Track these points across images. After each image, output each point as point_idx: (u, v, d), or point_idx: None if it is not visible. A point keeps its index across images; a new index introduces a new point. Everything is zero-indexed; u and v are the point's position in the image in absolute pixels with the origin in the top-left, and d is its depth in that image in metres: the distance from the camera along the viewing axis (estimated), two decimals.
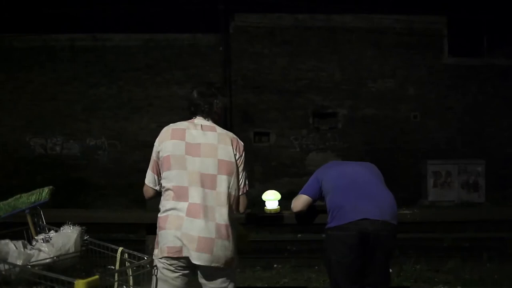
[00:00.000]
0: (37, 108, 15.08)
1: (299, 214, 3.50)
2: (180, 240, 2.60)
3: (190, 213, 2.62)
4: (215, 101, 2.86)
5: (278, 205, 3.67)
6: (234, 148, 2.77)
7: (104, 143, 15.26)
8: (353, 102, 15.45)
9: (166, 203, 2.70)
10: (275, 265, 6.73)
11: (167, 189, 2.70)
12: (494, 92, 15.57)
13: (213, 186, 2.66)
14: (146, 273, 2.48)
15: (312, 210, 3.56)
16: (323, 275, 5.79)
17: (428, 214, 5.38)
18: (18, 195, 2.90)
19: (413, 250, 7.11)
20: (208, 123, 2.82)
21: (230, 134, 2.84)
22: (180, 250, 2.61)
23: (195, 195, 2.64)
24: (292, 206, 3.47)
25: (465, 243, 8.48)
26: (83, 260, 2.69)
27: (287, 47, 15.31)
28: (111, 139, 15.25)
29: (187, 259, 2.61)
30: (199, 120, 2.84)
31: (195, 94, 2.89)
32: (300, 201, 3.43)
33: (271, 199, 3.61)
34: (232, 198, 2.72)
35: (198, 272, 2.68)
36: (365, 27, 15.33)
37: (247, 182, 2.86)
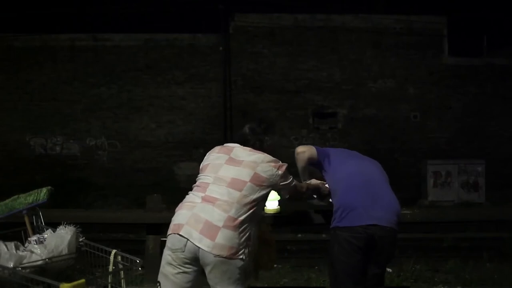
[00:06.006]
0: (37, 108, 15.07)
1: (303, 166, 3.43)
2: (187, 218, 2.64)
3: (204, 199, 2.71)
4: (265, 138, 3.02)
5: (278, 205, 3.66)
6: (276, 168, 2.89)
7: (104, 143, 15.26)
8: (353, 102, 15.44)
9: (186, 197, 2.83)
10: (275, 265, 6.72)
11: (192, 187, 2.87)
12: (494, 92, 15.56)
13: (240, 189, 2.74)
14: (138, 276, 2.47)
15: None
16: (323, 275, 5.77)
17: (428, 214, 5.37)
18: (16, 196, 2.88)
19: (413, 250, 7.09)
20: (258, 151, 2.95)
21: (275, 158, 2.95)
22: (180, 227, 2.63)
23: (214, 189, 2.74)
24: (299, 150, 3.40)
25: (465, 243, 8.47)
26: (78, 262, 2.67)
27: (287, 47, 15.30)
28: (111, 139, 15.24)
29: (191, 252, 2.60)
30: (251, 148, 2.98)
31: (246, 129, 3.04)
32: (309, 149, 3.36)
33: (271, 199, 3.59)
34: (255, 206, 2.77)
35: (205, 270, 2.64)
36: (365, 27, 15.31)
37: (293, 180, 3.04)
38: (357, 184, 3.20)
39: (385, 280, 5.29)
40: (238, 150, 2.93)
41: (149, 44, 15.28)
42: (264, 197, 2.88)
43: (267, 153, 2.94)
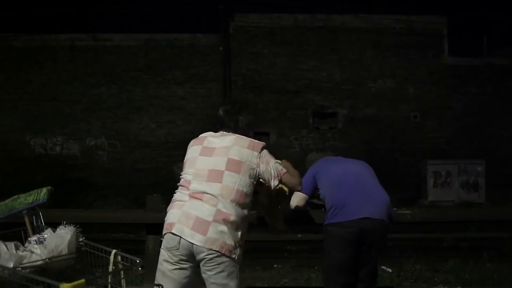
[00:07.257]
0: (37, 108, 15.07)
1: (295, 210, 3.52)
2: (178, 217, 2.67)
3: (191, 196, 2.73)
4: (240, 118, 2.95)
5: None
6: (250, 148, 2.81)
7: (104, 143, 15.26)
8: (353, 102, 15.44)
9: (174, 195, 2.85)
10: (275, 265, 6.72)
11: (178, 185, 2.88)
12: (494, 92, 15.56)
13: (219, 180, 2.72)
14: (138, 276, 2.47)
15: (309, 205, 3.60)
16: None
17: (428, 214, 5.38)
18: (16, 196, 2.88)
19: (413, 250, 7.09)
20: (230, 133, 2.91)
21: (249, 138, 2.89)
22: (172, 225, 2.67)
23: (196, 186, 2.74)
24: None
25: (465, 243, 8.45)
26: (78, 262, 2.66)
27: (287, 47, 15.30)
28: (111, 139, 15.24)
29: (185, 249, 2.63)
30: (222, 132, 2.95)
31: (221, 111, 2.99)
32: (297, 198, 3.44)
33: None
34: (239, 194, 2.73)
35: (200, 265, 2.68)
36: (365, 27, 15.32)
37: (279, 169, 2.85)
38: (347, 182, 3.31)
39: (385, 280, 5.33)
40: (210, 138, 2.91)
41: (149, 44, 15.29)
42: (249, 185, 2.77)
43: (242, 134, 2.90)
